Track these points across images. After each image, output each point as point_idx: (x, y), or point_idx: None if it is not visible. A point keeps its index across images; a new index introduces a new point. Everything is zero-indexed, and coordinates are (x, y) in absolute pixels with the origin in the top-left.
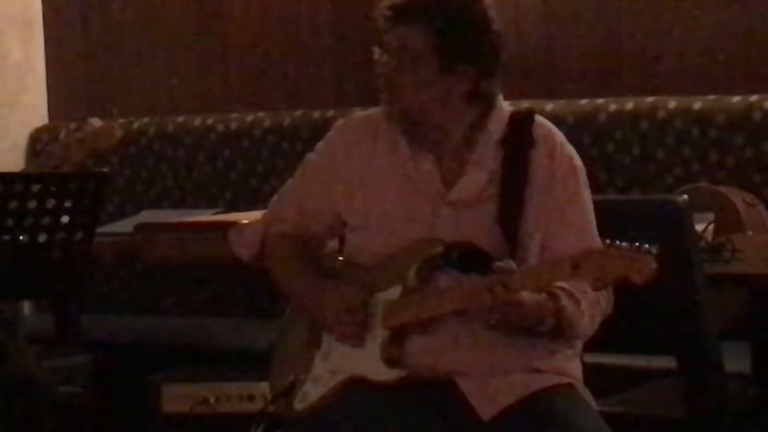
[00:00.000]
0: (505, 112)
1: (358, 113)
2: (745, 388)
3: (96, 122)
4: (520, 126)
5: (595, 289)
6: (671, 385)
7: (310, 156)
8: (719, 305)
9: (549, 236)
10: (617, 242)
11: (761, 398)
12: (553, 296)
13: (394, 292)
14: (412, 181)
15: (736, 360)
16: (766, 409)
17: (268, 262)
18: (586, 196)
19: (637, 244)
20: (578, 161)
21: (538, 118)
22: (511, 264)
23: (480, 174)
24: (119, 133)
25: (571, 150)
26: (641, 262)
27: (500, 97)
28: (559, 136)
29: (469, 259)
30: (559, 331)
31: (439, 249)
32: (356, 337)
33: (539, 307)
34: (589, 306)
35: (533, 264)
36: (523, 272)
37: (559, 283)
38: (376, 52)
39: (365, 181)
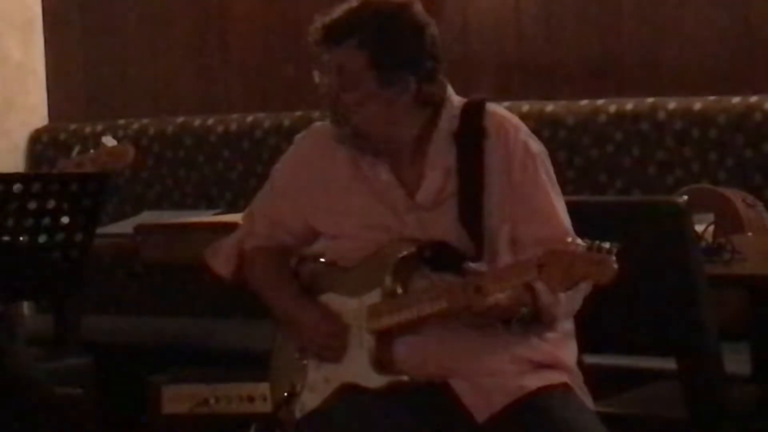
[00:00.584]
0: (457, 106)
1: (319, 123)
2: (745, 389)
3: (109, 142)
4: (472, 118)
5: (562, 290)
6: (671, 385)
7: (276, 168)
8: (719, 305)
9: (516, 227)
10: (578, 240)
11: (761, 399)
12: (527, 285)
13: (375, 295)
14: (374, 190)
15: (736, 360)
16: (766, 410)
17: (246, 277)
18: (548, 180)
19: (597, 242)
20: (536, 146)
21: (490, 107)
22: (482, 265)
23: (437, 174)
24: (132, 153)
25: (528, 136)
26: (603, 263)
27: (450, 92)
28: (514, 123)
29: (441, 256)
30: (537, 317)
31: (412, 249)
32: (334, 359)
33: (514, 304)
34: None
35: (502, 266)
36: (493, 275)
37: None
38: (316, 75)
39: (330, 191)
